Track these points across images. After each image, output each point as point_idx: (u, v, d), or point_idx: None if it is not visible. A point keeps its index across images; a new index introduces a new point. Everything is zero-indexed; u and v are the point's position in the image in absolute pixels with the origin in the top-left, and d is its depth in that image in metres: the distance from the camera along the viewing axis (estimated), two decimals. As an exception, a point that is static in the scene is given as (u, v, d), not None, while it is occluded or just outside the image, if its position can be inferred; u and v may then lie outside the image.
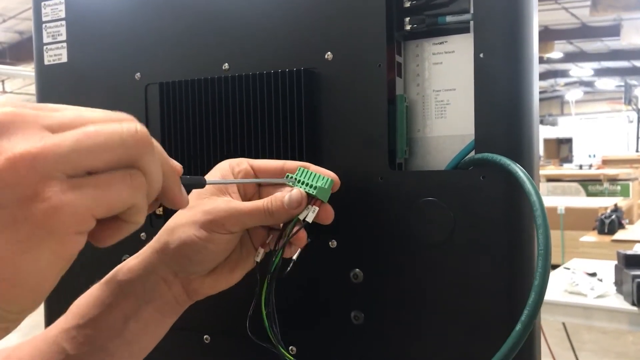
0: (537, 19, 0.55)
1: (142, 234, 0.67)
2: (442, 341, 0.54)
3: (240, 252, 0.54)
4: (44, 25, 0.73)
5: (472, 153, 0.54)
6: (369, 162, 0.57)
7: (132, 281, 0.51)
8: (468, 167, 0.53)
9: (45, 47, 0.74)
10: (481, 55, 0.52)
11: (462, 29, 0.57)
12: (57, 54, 0.73)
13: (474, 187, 0.52)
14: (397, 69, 0.59)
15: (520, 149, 0.52)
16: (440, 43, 0.59)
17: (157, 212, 0.67)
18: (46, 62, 0.74)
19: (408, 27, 0.58)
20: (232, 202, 0.50)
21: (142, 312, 0.51)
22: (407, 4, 0.57)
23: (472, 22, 0.55)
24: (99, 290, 0.52)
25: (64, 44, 0.72)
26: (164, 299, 0.52)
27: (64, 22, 0.72)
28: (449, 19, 0.57)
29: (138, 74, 0.68)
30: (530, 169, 0.52)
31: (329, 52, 0.58)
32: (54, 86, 0.74)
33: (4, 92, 13.63)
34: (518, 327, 0.44)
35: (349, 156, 0.57)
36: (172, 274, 0.52)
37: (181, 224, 0.51)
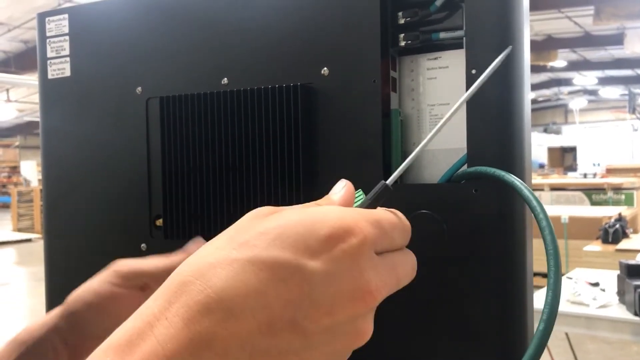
0: (528, 35, 0.56)
1: (143, 244, 0.68)
2: (435, 350, 0.55)
3: None
4: (47, 40, 0.75)
5: (465, 166, 0.55)
6: (365, 175, 0.58)
7: (26, 343, 0.50)
8: (461, 181, 0.54)
9: (48, 61, 0.75)
10: (473, 71, 0.53)
11: (456, 44, 0.58)
12: (60, 68, 0.74)
13: (466, 200, 0.53)
14: (392, 84, 0.60)
15: (512, 163, 0.53)
16: (435, 58, 0.60)
17: (157, 224, 0.68)
18: (50, 76, 0.75)
19: (403, 43, 0.59)
20: (145, 259, 0.52)
21: None
22: (402, 21, 0.59)
23: (465, 39, 0.56)
24: (6, 345, 0.51)
25: (67, 59, 0.74)
26: None
27: (67, 37, 0.74)
28: (442, 35, 0.58)
29: (139, 88, 0.69)
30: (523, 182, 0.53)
31: (325, 68, 0.59)
32: (57, 100, 0.75)
33: (9, 100, 13.70)
34: (541, 326, 0.43)
35: (345, 169, 0.59)
36: (62, 342, 0.50)
37: (87, 281, 0.51)
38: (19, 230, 11.08)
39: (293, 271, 0.31)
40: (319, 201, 0.40)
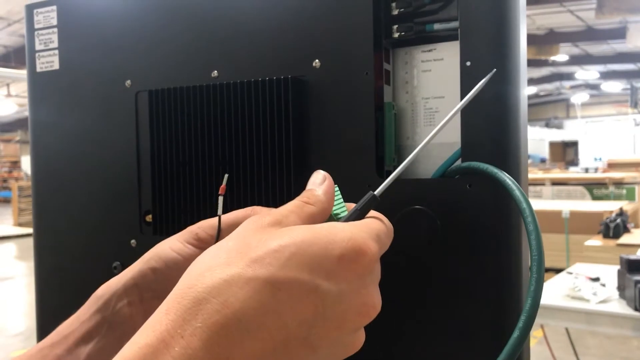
0: (524, 27, 0.55)
1: (132, 240, 0.67)
2: (429, 347, 0.54)
3: None
4: (36, 32, 0.74)
5: (459, 161, 0.53)
6: (357, 170, 0.56)
7: (103, 297, 0.49)
8: (454, 176, 0.53)
9: (37, 54, 0.74)
10: (467, 63, 0.52)
11: (450, 36, 0.57)
12: (48, 61, 0.73)
13: (460, 195, 0.52)
14: (385, 76, 0.58)
15: (507, 157, 0.52)
16: (429, 50, 0.58)
17: (147, 219, 0.67)
18: (38, 69, 0.74)
19: (396, 35, 0.58)
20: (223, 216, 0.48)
21: (104, 338, 0.47)
22: (396, 12, 0.57)
23: (460, 30, 0.55)
24: (84, 306, 0.49)
25: (56, 51, 0.72)
26: (124, 328, 0.48)
27: (55, 30, 0.72)
28: (437, 26, 0.56)
29: (128, 82, 0.68)
30: (517, 177, 0.51)
31: (317, 60, 0.58)
32: (46, 93, 0.74)
33: (9, 95, 13.70)
34: (516, 333, 0.42)
35: (337, 163, 0.57)
36: (139, 298, 0.48)
37: (167, 240, 0.49)
38: (20, 225, 11.08)
39: (308, 292, 0.32)
40: (303, 197, 0.41)
